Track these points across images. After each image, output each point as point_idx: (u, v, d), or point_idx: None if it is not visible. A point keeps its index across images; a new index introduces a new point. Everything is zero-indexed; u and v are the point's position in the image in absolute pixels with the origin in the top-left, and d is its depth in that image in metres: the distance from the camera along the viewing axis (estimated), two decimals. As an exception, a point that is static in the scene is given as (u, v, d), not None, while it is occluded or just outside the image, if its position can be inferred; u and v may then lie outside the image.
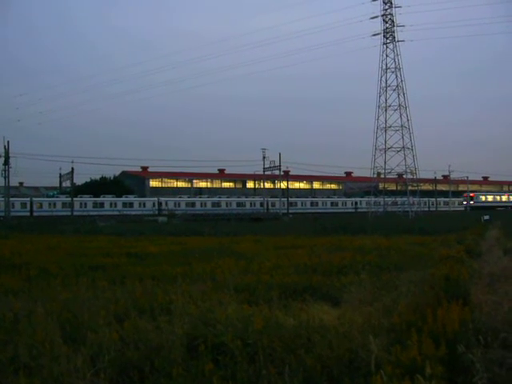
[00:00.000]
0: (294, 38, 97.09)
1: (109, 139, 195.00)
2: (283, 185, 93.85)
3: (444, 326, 5.57)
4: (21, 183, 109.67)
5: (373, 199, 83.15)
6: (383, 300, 7.84)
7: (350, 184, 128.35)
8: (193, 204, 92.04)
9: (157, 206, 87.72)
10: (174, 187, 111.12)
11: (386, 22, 75.69)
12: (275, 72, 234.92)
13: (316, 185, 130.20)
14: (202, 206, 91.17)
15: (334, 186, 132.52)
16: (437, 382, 4.49)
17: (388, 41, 76.02)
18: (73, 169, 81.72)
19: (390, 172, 77.88)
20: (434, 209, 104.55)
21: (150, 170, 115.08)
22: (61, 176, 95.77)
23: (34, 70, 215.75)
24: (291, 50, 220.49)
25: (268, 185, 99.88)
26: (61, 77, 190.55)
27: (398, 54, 75.76)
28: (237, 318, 6.39)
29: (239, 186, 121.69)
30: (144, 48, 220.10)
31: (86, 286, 9.43)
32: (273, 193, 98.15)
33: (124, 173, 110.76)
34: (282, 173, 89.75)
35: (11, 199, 71.78)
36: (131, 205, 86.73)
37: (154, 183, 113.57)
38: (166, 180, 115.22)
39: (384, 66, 76.43)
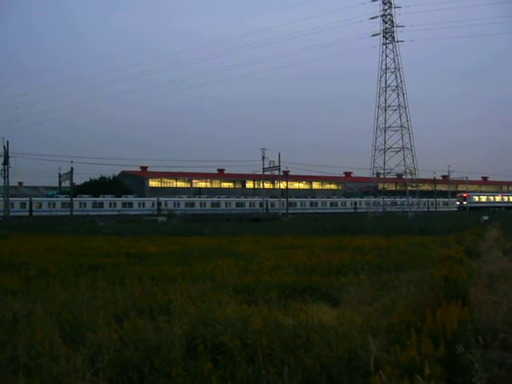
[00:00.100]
0: (294, 39, 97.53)
1: (108, 139, 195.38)
2: (282, 185, 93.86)
3: (443, 326, 5.57)
4: (20, 183, 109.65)
5: (372, 199, 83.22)
6: (382, 300, 7.85)
7: (349, 184, 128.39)
8: (192, 204, 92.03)
9: (156, 206, 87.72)
10: (173, 187, 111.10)
11: (386, 23, 75.75)
12: (275, 72, 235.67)
13: (315, 185, 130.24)
14: (201, 206, 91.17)
15: (333, 187, 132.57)
16: (436, 382, 4.50)
17: (387, 41, 76.10)
18: (72, 169, 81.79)
19: (389, 172, 77.93)
20: (433, 209, 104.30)
21: (149, 169, 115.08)
22: (60, 176, 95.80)
23: (33, 70, 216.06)
24: (291, 51, 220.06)
25: (267, 185, 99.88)
26: (61, 77, 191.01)
27: (397, 55, 75.90)
28: (236, 318, 6.39)
29: (238, 186, 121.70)
30: (144, 48, 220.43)
31: (85, 286, 9.43)
32: (272, 193, 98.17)
33: (123, 173, 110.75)
34: (281, 173, 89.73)
35: (10, 199, 71.68)
36: (130, 205, 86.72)
37: (153, 183, 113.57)
38: (165, 180, 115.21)
39: (383, 67, 76.55)
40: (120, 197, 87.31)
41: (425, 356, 4.79)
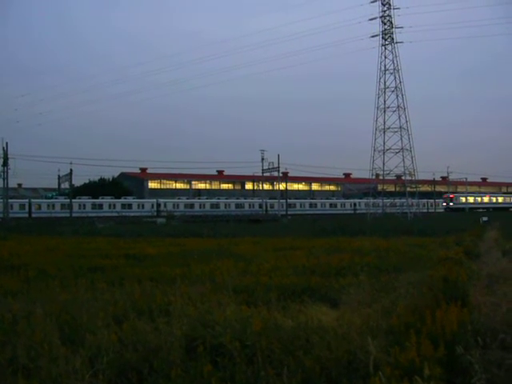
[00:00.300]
0: (294, 40, 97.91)
1: (108, 140, 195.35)
2: (282, 186, 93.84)
3: (443, 327, 5.57)
4: (19, 184, 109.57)
5: (371, 200, 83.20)
6: (382, 301, 7.84)
7: (348, 185, 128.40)
8: (191, 205, 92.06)
9: (155, 208, 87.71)
10: (172, 188, 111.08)
11: (385, 24, 75.78)
12: (275, 73, 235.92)
13: (315, 186, 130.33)
14: (200, 208, 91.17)
15: (332, 188, 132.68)
16: (435, 383, 4.50)
17: (387, 42, 76.13)
18: (71, 170, 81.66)
19: (388, 173, 77.89)
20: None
21: (148, 171, 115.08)
22: (59, 177, 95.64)
23: (33, 71, 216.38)
24: (291, 51, 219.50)
25: (267, 186, 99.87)
26: (60, 77, 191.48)
27: (396, 56, 75.91)
28: (235, 320, 6.39)
29: (238, 187, 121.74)
30: (144, 48, 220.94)
31: (84, 288, 9.43)
32: (271, 194, 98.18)
33: (123, 174, 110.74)
34: (280, 174, 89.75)
35: (10, 200, 71.63)
36: (130, 206, 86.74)
37: (152, 184, 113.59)
38: (164, 181, 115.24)
39: (383, 68, 76.54)
40: (119, 198, 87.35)
41: (424, 357, 4.79)
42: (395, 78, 75.80)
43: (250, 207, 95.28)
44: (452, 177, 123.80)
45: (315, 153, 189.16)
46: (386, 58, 76.29)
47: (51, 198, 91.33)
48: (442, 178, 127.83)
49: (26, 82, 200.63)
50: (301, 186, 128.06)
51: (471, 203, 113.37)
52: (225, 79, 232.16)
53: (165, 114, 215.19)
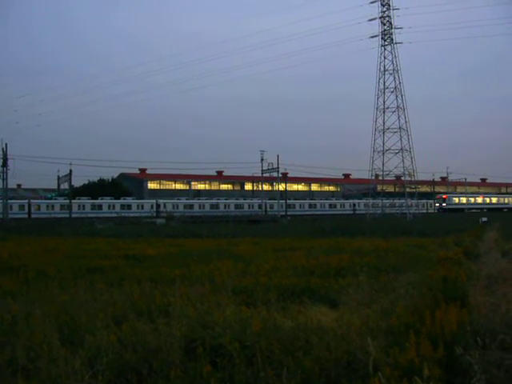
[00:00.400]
0: (294, 40, 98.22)
1: (107, 141, 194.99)
2: (281, 187, 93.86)
3: (442, 327, 5.58)
4: (19, 185, 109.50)
5: (371, 201, 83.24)
6: (381, 302, 7.85)
7: (348, 186, 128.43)
8: (191, 206, 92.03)
9: (155, 208, 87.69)
10: (172, 189, 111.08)
11: (384, 24, 75.85)
12: (275, 73, 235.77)
13: (314, 187, 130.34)
14: (200, 208, 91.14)
15: (332, 188, 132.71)
16: (435, 383, 4.50)
17: (386, 43, 76.18)
18: (71, 171, 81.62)
19: (388, 174, 77.92)
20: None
21: (148, 172, 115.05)
22: (59, 178, 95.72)
23: (33, 71, 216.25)
24: (290, 52, 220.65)
25: (266, 187, 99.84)
26: (60, 78, 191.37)
27: (396, 56, 75.97)
28: (235, 320, 6.39)
29: (237, 188, 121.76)
30: (144, 49, 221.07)
31: (83, 289, 9.43)
32: (271, 195, 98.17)
33: (122, 175, 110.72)
34: (280, 175, 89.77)
35: (9, 201, 71.65)
36: (129, 207, 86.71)
37: (152, 185, 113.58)
38: (164, 182, 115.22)
39: (382, 68, 76.58)
40: (119, 199, 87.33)
41: (424, 357, 4.79)
42: (395, 78, 75.96)
43: (249, 208, 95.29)
44: (451, 177, 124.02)
45: (315, 153, 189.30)
46: (385, 58, 76.42)
47: (51, 198, 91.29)
48: (442, 178, 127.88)
49: (26, 83, 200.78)
50: (300, 187, 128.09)
51: (464, 204, 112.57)
52: (224, 80, 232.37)
53: (164, 115, 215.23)
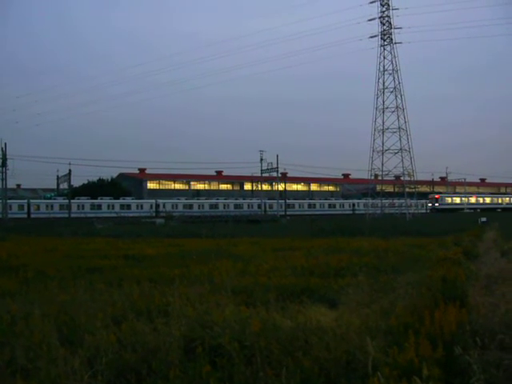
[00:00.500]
0: (293, 40, 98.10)
1: (106, 141, 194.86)
2: (281, 187, 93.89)
3: (441, 327, 5.58)
4: (18, 185, 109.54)
5: (370, 201, 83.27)
6: (380, 302, 7.85)
7: (347, 186, 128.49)
8: (190, 206, 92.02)
9: (154, 208, 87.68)
10: (171, 189, 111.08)
11: (384, 24, 75.92)
12: (275, 73, 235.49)
13: (313, 187, 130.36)
14: (199, 208, 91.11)
15: (331, 188, 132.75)
16: (434, 383, 4.50)
17: (385, 43, 76.25)
18: (70, 171, 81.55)
19: (387, 174, 78.04)
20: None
21: (147, 171, 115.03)
22: (58, 178, 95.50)
23: (33, 71, 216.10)
24: (290, 52, 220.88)
25: (265, 187, 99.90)
26: (60, 78, 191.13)
27: (395, 56, 76.06)
28: (234, 320, 6.39)
29: (237, 187, 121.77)
30: (144, 49, 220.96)
31: (83, 289, 9.42)
32: (270, 195, 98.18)
33: (121, 175, 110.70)
34: (279, 175, 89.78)
35: (9, 201, 71.60)
36: (129, 207, 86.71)
37: (151, 185, 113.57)
38: (163, 182, 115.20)
39: (381, 68, 76.67)
40: (118, 199, 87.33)
41: (423, 357, 4.80)
42: (394, 78, 76.03)
43: (248, 208, 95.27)
44: (451, 177, 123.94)
45: (314, 153, 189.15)
46: (384, 58, 76.51)
47: (50, 198, 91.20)
48: (441, 178, 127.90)
49: (26, 82, 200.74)
50: (300, 187, 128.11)
51: (458, 204, 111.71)
52: (224, 79, 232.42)
53: (164, 115, 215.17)
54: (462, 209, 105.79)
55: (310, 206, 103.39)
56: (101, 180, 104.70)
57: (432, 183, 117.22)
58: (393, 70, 75.99)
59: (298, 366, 5.00)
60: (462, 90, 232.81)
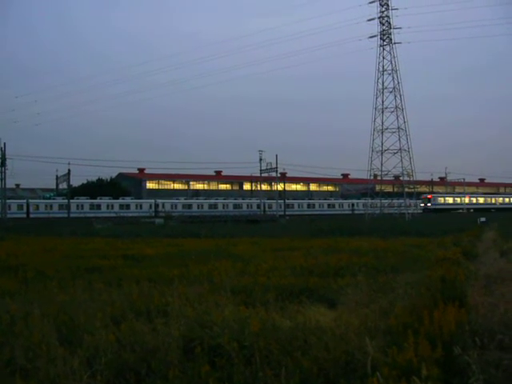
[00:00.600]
0: (293, 40, 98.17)
1: (106, 140, 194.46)
2: (280, 187, 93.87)
3: (440, 327, 5.58)
4: (17, 185, 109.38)
5: (369, 201, 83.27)
6: (380, 302, 7.86)
7: (346, 186, 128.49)
8: (189, 206, 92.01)
9: (153, 208, 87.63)
10: (170, 189, 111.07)
11: (383, 24, 75.87)
12: (275, 73, 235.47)
13: (313, 187, 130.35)
14: (198, 208, 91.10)
15: (330, 188, 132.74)
16: (433, 383, 4.50)
17: (385, 43, 76.20)
18: (69, 170, 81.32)
19: (386, 174, 77.97)
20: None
21: (146, 171, 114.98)
22: (57, 178, 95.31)
23: (33, 71, 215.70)
24: (289, 52, 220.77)
25: (265, 187, 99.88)
26: (59, 78, 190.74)
27: (394, 56, 76.00)
28: (233, 320, 6.39)
29: (236, 187, 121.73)
30: (144, 48, 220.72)
31: (82, 288, 9.42)
32: (269, 195, 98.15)
33: (121, 174, 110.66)
34: (278, 175, 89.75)
35: (8, 201, 71.51)
36: (128, 207, 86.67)
37: (150, 185, 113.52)
38: (162, 182, 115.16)
39: (381, 68, 76.58)
40: (117, 199, 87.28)
41: (422, 357, 4.79)
42: (393, 78, 75.96)
43: (248, 208, 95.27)
44: (450, 177, 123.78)
45: (313, 153, 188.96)
46: (384, 58, 76.44)
47: (49, 198, 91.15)
48: (440, 178, 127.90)
49: (25, 82, 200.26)
50: (299, 187, 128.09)
51: (451, 204, 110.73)
52: (224, 79, 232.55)
53: (164, 115, 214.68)
54: (456, 209, 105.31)
55: (309, 205, 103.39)
56: (100, 180, 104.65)
57: (431, 183, 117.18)
58: (392, 70, 76.01)
59: (297, 366, 5.00)
60: (461, 90, 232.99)
